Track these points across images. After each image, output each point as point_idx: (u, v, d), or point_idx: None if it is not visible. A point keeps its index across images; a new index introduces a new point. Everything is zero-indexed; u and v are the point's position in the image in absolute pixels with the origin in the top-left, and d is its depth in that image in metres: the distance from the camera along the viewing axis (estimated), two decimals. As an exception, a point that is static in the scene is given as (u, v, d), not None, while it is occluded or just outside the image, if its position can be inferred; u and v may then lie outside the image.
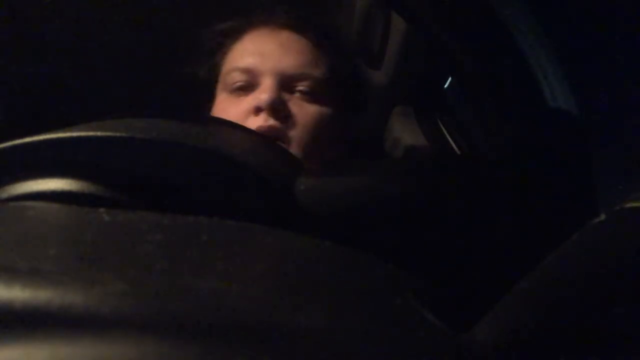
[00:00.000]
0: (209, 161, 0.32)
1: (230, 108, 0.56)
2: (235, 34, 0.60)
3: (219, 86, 0.59)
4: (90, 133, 0.30)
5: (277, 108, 0.53)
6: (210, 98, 0.61)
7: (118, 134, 0.30)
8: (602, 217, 0.23)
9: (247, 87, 0.56)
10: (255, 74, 0.55)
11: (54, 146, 0.30)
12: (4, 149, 0.29)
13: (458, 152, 0.65)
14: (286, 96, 0.54)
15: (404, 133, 0.69)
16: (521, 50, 0.41)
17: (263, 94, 0.53)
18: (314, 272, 0.21)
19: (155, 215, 0.23)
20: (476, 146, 0.62)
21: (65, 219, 0.22)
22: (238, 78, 0.56)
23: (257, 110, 0.53)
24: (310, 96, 0.56)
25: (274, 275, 0.20)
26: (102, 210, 0.22)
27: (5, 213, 0.23)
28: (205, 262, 0.19)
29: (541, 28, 0.41)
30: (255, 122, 0.53)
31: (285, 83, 0.55)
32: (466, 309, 0.23)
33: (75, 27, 0.70)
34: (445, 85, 0.67)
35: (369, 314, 0.19)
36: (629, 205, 0.23)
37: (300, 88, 0.56)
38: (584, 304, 0.20)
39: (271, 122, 0.52)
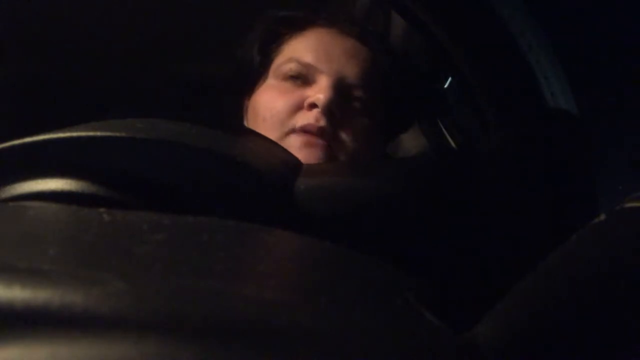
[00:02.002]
0: (209, 161, 0.32)
1: (279, 96, 0.55)
2: (297, 26, 0.59)
3: (270, 73, 0.58)
4: (90, 133, 0.30)
5: (333, 110, 0.52)
6: (253, 84, 0.60)
7: (118, 134, 0.30)
8: (602, 217, 0.23)
9: (301, 79, 0.55)
10: (315, 71, 0.55)
11: (54, 146, 0.30)
12: (4, 149, 0.29)
13: (458, 152, 0.65)
14: (342, 101, 0.53)
15: (404, 133, 0.70)
16: (521, 50, 0.41)
17: (321, 93, 0.52)
18: (314, 272, 0.21)
19: (155, 215, 0.23)
20: (476, 146, 0.62)
21: (65, 219, 0.22)
22: (295, 69, 0.55)
23: (311, 107, 0.52)
24: (364, 107, 0.55)
25: (274, 276, 0.20)
26: (102, 210, 0.22)
27: (5, 213, 0.23)
28: (205, 262, 0.19)
29: (541, 28, 0.41)
30: (306, 118, 0.52)
31: (343, 89, 0.54)
32: (466, 309, 0.23)
33: (75, 27, 0.70)
34: (445, 86, 0.67)
35: (368, 314, 0.19)
36: (629, 205, 0.23)
37: (357, 97, 0.55)
38: (584, 303, 0.20)
39: (323, 122, 0.51)
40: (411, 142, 0.68)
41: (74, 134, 0.30)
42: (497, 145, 0.48)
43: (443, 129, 0.68)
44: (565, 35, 0.42)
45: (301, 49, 0.56)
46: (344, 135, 0.53)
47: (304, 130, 0.51)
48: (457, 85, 0.65)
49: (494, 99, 0.45)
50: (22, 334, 0.14)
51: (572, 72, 0.42)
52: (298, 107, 0.53)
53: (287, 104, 0.53)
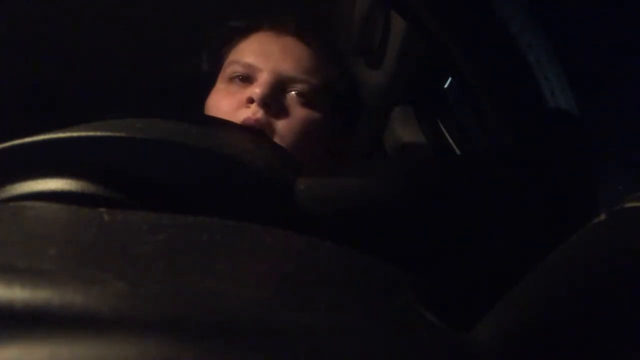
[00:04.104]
0: (209, 161, 0.32)
1: (224, 98, 0.59)
2: (243, 32, 0.64)
3: (219, 77, 0.63)
4: (90, 133, 0.30)
5: (268, 102, 0.55)
6: (209, 89, 0.64)
7: (118, 134, 0.30)
8: (602, 217, 0.23)
9: (245, 79, 0.59)
10: (255, 70, 0.59)
11: (54, 146, 0.30)
12: (4, 149, 0.29)
13: (458, 152, 0.65)
14: (280, 95, 0.57)
15: (404, 133, 0.69)
16: (521, 50, 0.41)
17: (257, 88, 0.56)
18: (314, 272, 0.21)
19: (155, 215, 0.23)
20: (476, 146, 0.62)
21: (65, 219, 0.22)
22: (238, 70, 0.59)
23: (249, 102, 0.56)
24: (303, 100, 0.58)
25: (274, 275, 0.20)
26: (102, 210, 0.22)
27: (5, 213, 0.23)
28: (205, 262, 0.19)
29: (541, 28, 0.41)
30: (245, 113, 0.55)
31: (282, 83, 0.58)
32: (466, 309, 0.23)
33: (75, 27, 0.70)
34: (445, 85, 0.67)
35: (369, 314, 0.19)
36: (629, 205, 0.23)
37: (295, 91, 0.58)
38: (584, 303, 0.20)
39: (259, 115, 0.54)
40: (411, 142, 0.68)
41: (74, 134, 0.30)
42: (496, 145, 0.48)
43: (443, 129, 0.68)
44: (565, 35, 0.42)
45: (243, 52, 0.61)
46: (281, 126, 0.56)
47: (244, 123, 0.54)
48: (457, 85, 0.65)
49: (494, 99, 0.44)
50: (22, 334, 0.14)
51: (572, 72, 0.42)
52: (240, 105, 0.57)
53: (230, 102, 0.58)
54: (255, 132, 0.53)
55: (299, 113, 0.57)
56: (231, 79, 0.60)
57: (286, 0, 0.69)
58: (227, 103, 0.58)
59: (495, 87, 0.44)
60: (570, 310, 0.20)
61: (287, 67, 0.58)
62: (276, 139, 0.55)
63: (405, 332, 0.18)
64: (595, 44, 0.42)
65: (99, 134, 0.30)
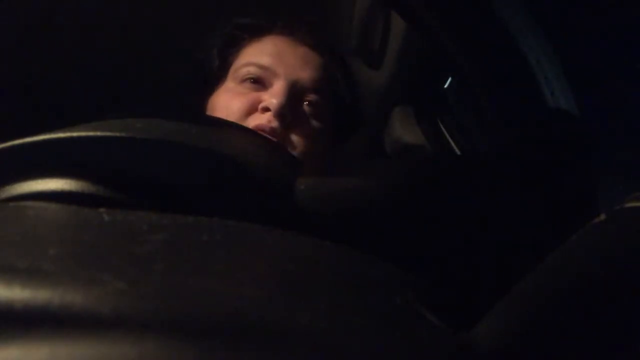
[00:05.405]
0: (209, 161, 0.32)
1: (235, 99, 0.58)
2: (255, 33, 0.63)
3: (229, 76, 0.62)
4: (90, 133, 0.30)
5: (284, 114, 0.54)
6: (212, 86, 0.63)
7: (118, 134, 0.30)
8: (602, 217, 0.23)
9: (258, 81, 0.58)
10: (271, 74, 0.58)
11: (54, 146, 0.30)
12: (4, 149, 0.29)
13: (458, 151, 0.65)
14: (294, 105, 0.57)
15: (404, 133, 0.70)
16: (521, 50, 0.41)
17: (274, 98, 0.55)
18: (314, 272, 0.21)
19: (155, 215, 0.23)
20: (476, 146, 0.62)
21: (65, 219, 0.22)
22: (253, 71, 0.58)
23: (264, 110, 0.55)
24: (314, 110, 0.58)
25: (274, 275, 0.20)
26: (102, 210, 0.22)
27: (5, 213, 0.23)
28: (205, 262, 0.19)
29: (541, 28, 0.41)
30: (258, 120, 0.55)
31: (297, 92, 0.57)
32: (466, 309, 0.23)
33: (75, 27, 0.70)
34: (445, 85, 0.67)
35: (369, 314, 0.19)
36: (629, 205, 0.23)
37: (308, 101, 0.58)
38: (583, 303, 0.20)
39: (274, 124, 0.54)
40: (411, 142, 0.68)
41: (74, 134, 0.30)
42: (496, 144, 0.48)
43: (443, 129, 0.68)
44: (565, 35, 0.43)
45: (258, 53, 0.60)
46: (293, 136, 0.56)
47: (257, 129, 0.54)
48: (457, 85, 0.65)
49: (494, 99, 0.45)
50: (22, 334, 0.14)
51: (572, 72, 0.42)
52: (252, 109, 0.56)
53: (242, 105, 0.56)
54: (256, 132, 0.53)
55: (310, 123, 0.58)
56: (243, 80, 0.59)
57: (287, 0, 0.69)
58: (239, 105, 0.56)
59: (495, 87, 0.44)
60: (570, 310, 0.20)
61: (304, 77, 0.58)
62: (287, 147, 0.55)
63: (405, 332, 0.18)
64: (595, 44, 0.42)
65: (99, 134, 0.30)
